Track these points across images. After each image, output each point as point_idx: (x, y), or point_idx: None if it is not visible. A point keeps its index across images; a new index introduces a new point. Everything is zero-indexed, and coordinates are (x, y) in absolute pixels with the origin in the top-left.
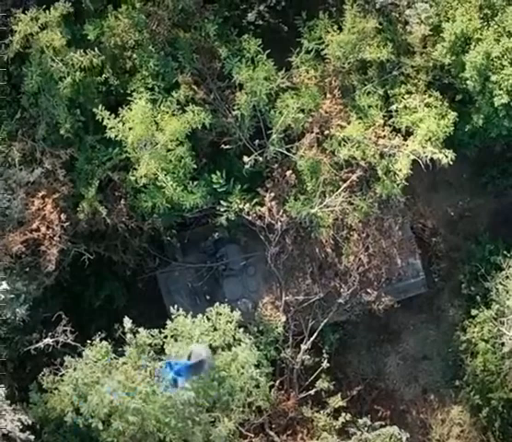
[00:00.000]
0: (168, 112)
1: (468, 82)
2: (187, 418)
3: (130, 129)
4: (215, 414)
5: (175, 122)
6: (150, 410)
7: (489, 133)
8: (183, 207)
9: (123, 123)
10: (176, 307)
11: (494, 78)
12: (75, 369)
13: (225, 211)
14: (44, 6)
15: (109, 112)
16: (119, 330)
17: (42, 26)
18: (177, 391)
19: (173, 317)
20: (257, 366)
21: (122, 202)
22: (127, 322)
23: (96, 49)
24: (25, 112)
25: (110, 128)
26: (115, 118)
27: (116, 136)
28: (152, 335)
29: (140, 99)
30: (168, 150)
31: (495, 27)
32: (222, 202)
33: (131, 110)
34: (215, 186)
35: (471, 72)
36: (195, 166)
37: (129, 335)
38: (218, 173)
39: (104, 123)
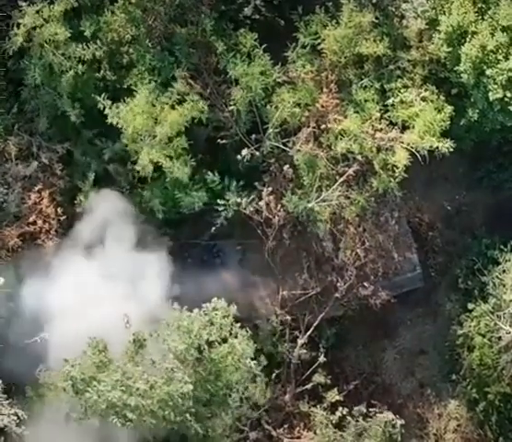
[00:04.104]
0: (167, 104)
1: (463, 75)
2: (185, 412)
3: (130, 120)
4: (212, 409)
5: (174, 113)
6: (149, 404)
7: (484, 127)
8: (181, 205)
9: (125, 113)
10: (171, 301)
11: (488, 72)
12: (72, 366)
13: (223, 210)
14: (48, 0)
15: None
16: None
17: (45, 20)
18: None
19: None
20: (253, 359)
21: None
22: (124, 318)
23: (93, 43)
24: (26, 105)
25: (113, 115)
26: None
27: (117, 123)
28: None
29: (142, 90)
30: (166, 143)
31: (489, 20)
32: (219, 201)
33: (130, 102)
34: (210, 186)
35: (465, 64)
36: (193, 163)
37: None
38: (212, 174)
39: (105, 113)
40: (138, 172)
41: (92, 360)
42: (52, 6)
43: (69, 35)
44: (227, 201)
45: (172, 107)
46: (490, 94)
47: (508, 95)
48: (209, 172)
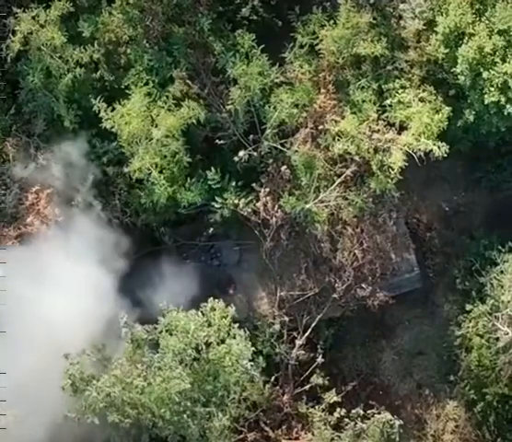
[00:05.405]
0: (164, 108)
1: (459, 76)
2: (182, 412)
3: (126, 123)
4: (210, 409)
5: (171, 117)
6: (146, 401)
7: (480, 129)
8: (181, 204)
9: (121, 116)
10: (165, 302)
11: (485, 75)
12: (71, 364)
13: (219, 207)
14: (44, 5)
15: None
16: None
17: (42, 24)
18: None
19: (165, 312)
20: (251, 360)
21: (117, 196)
22: (122, 317)
23: (91, 44)
24: (23, 107)
25: (107, 119)
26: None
27: (112, 127)
28: (147, 330)
29: (137, 93)
30: (163, 145)
31: (486, 22)
32: (217, 198)
33: (126, 104)
34: (209, 183)
35: (462, 66)
36: (189, 160)
37: (124, 330)
38: (213, 169)
39: (100, 115)
40: (135, 172)
41: (91, 358)
42: (48, 11)
43: (65, 40)
44: (225, 200)
45: (169, 110)
46: (485, 97)
47: (503, 99)
48: (210, 168)
